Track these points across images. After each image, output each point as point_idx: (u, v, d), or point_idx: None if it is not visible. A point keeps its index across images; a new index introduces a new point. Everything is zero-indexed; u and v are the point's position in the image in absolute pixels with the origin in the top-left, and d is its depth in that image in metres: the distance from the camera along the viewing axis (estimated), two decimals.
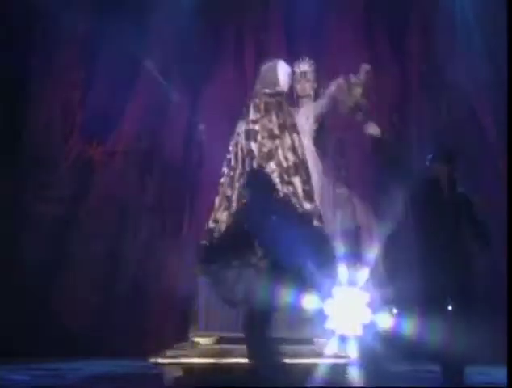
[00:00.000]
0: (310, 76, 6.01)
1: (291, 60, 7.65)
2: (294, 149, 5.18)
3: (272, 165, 5.10)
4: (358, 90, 5.73)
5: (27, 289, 7.14)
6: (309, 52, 7.70)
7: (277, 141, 5.18)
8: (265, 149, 5.15)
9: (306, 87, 5.96)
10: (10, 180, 7.56)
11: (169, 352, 4.69)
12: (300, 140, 5.27)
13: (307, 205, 5.03)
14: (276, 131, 5.22)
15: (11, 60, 7.63)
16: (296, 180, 5.10)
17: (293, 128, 5.30)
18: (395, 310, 4.85)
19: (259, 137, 5.23)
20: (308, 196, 5.10)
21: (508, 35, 5.91)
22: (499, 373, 5.08)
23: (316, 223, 5.00)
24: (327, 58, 7.76)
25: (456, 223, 4.75)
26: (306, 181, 5.15)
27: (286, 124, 5.26)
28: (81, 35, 7.99)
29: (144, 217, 7.62)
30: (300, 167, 5.16)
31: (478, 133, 7.45)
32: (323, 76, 7.75)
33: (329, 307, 4.65)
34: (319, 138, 5.91)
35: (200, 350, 4.78)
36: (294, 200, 5.00)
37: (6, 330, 6.70)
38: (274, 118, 5.26)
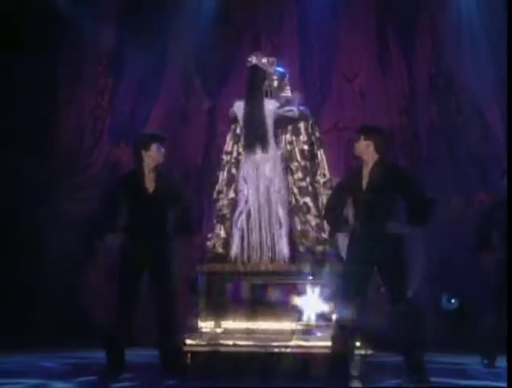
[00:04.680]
0: None
1: (305, 63, 7.87)
2: None
3: None
4: None
5: (57, 285, 7.42)
6: (321, 55, 7.90)
7: None
8: None
9: None
10: (43, 181, 7.82)
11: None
12: None
13: None
14: None
15: (45, 69, 7.89)
16: None
17: None
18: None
19: None
20: None
21: (508, 35, 5.88)
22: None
23: None
24: (338, 60, 7.90)
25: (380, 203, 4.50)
26: None
27: None
28: (109, 45, 8.23)
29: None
30: None
31: (486, 133, 7.46)
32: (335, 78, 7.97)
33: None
34: None
35: (208, 338, 4.94)
36: None
37: (38, 321, 6.98)
38: None
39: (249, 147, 5.24)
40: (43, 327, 7.02)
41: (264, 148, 5.22)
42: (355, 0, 8.00)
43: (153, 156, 4.71)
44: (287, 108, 5.36)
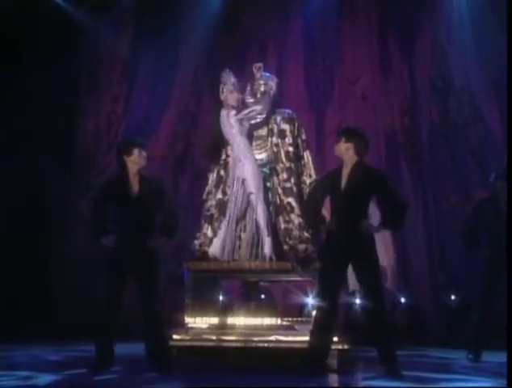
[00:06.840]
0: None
1: (309, 66, 7.95)
2: None
3: None
4: None
5: (73, 281, 7.70)
6: (324, 58, 7.97)
7: None
8: None
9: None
10: (63, 181, 8.16)
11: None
12: None
13: None
14: None
15: (64, 78, 8.20)
16: None
17: None
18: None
19: None
20: None
21: (508, 35, 5.82)
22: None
23: None
24: (341, 63, 7.96)
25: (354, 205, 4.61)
26: None
27: None
28: (124, 55, 8.50)
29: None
30: None
31: (486, 133, 7.37)
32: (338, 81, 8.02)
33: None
34: None
35: (193, 333, 5.08)
36: None
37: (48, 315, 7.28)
38: None
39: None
40: (56, 321, 7.29)
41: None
42: (357, 5, 8.03)
43: (135, 160, 4.88)
44: (246, 111, 5.50)
